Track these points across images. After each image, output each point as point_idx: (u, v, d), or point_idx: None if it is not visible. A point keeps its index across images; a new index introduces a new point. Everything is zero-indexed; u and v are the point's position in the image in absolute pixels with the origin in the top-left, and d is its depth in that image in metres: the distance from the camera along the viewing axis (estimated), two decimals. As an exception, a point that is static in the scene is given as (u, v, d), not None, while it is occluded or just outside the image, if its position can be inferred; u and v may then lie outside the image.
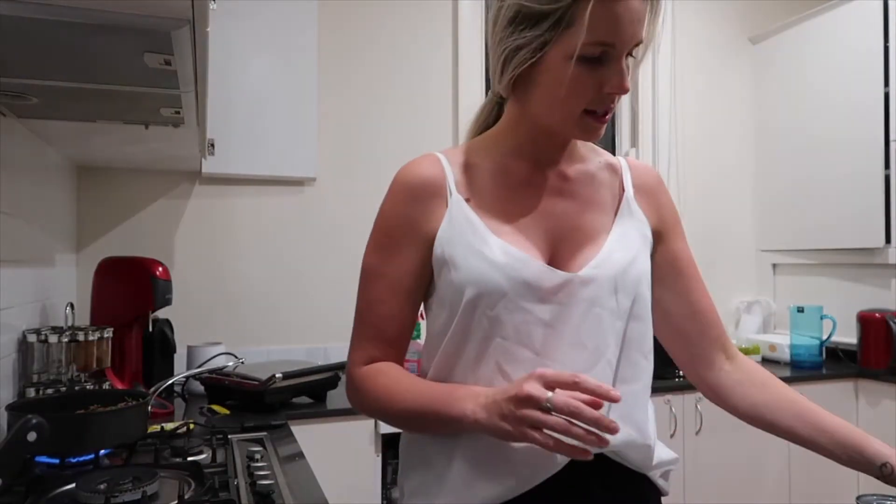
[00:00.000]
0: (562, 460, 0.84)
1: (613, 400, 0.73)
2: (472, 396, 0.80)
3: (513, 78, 0.87)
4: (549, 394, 0.73)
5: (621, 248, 0.90)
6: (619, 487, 0.89)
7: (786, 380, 2.71)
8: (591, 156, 0.99)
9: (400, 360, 0.95)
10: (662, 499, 0.96)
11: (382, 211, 0.94)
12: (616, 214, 0.94)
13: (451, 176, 0.92)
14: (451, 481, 0.87)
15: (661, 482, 0.94)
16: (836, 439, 0.91)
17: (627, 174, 0.98)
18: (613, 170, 0.98)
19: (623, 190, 0.97)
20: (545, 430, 0.73)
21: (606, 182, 0.97)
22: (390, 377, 0.90)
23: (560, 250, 0.90)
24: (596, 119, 0.85)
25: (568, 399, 0.72)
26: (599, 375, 0.85)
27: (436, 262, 0.90)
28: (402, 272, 0.91)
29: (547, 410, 0.72)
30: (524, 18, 0.82)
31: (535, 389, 0.73)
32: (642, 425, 0.90)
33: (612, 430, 0.72)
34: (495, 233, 0.88)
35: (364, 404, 0.92)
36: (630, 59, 0.84)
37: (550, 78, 0.83)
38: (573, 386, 0.73)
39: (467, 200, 0.91)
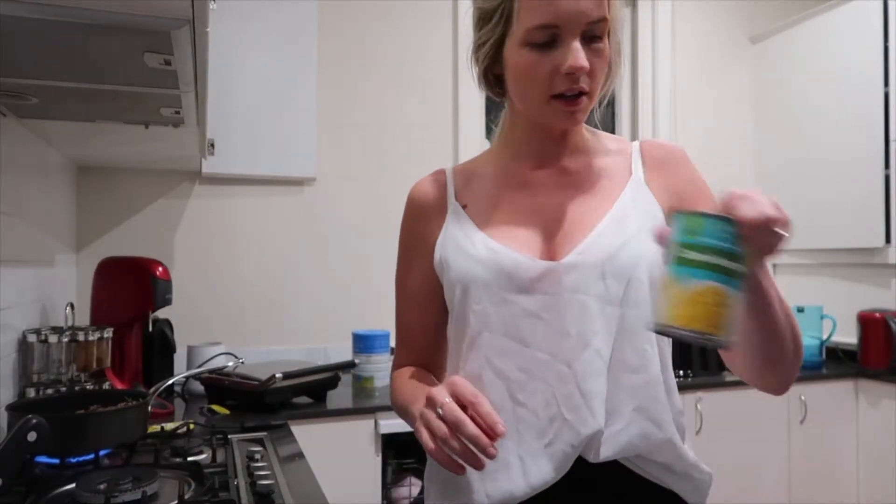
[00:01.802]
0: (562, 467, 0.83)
1: (497, 434, 0.72)
2: (422, 399, 0.81)
3: (483, 75, 0.92)
4: (447, 400, 0.74)
5: (612, 233, 0.86)
6: (639, 500, 0.85)
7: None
8: (598, 145, 0.96)
9: (429, 366, 1.00)
10: None
11: (400, 228, 1.01)
12: (617, 199, 0.90)
13: (452, 187, 0.96)
14: (470, 481, 0.86)
15: (693, 500, 0.88)
16: None
17: (637, 156, 0.94)
18: (622, 155, 0.95)
19: (631, 174, 0.93)
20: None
21: (611, 169, 0.93)
22: (403, 378, 0.97)
23: (556, 244, 0.88)
24: (565, 103, 0.83)
25: (456, 410, 0.73)
26: (588, 365, 0.83)
27: (436, 269, 0.94)
28: (415, 284, 0.98)
29: (439, 416, 0.74)
30: (481, 19, 0.89)
31: (438, 393, 0.76)
32: (659, 417, 0.85)
33: (489, 455, 0.71)
34: (488, 232, 0.89)
35: (393, 406, 0.99)
36: (602, 40, 0.82)
37: (512, 70, 0.86)
38: (470, 404, 0.74)
39: (464, 207, 0.94)
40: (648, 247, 0.85)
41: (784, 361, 0.80)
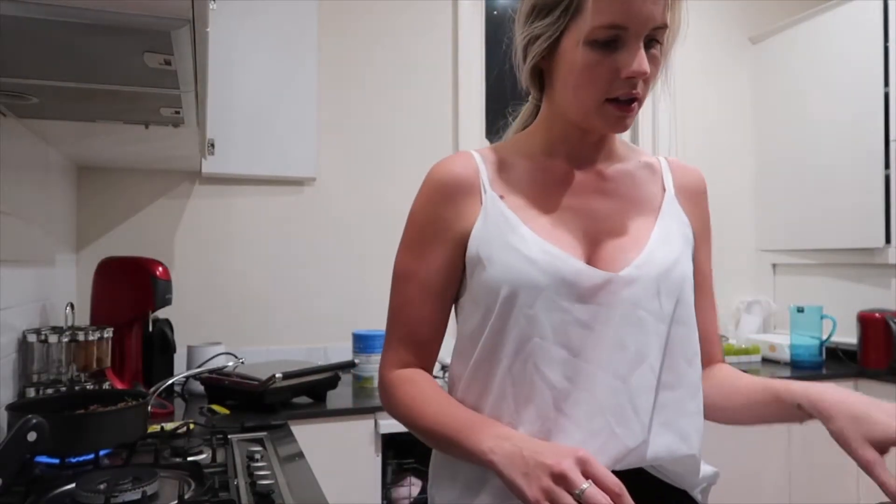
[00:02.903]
0: None
1: None
2: (492, 435, 0.77)
3: (531, 69, 0.88)
4: (585, 484, 0.67)
5: (664, 249, 0.87)
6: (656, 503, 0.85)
7: (786, 380, 2.69)
8: (630, 155, 0.96)
9: (431, 363, 0.94)
10: None
11: (414, 210, 0.93)
12: (658, 214, 0.91)
13: (485, 173, 0.91)
14: (481, 501, 0.85)
15: (699, 497, 0.90)
16: (761, 404, 0.88)
17: (668, 174, 0.95)
18: (652, 169, 0.95)
19: (664, 190, 0.94)
20: None
21: (646, 181, 0.94)
22: (417, 388, 0.89)
23: (599, 250, 0.86)
24: (618, 108, 0.81)
25: (600, 498, 0.66)
26: (642, 380, 0.82)
27: (469, 261, 0.88)
28: (433, 272, 0.90)
29: (576, 498, 0.67)
30: (539, 10, 0.83)
31: (573, 472, 0.68)
32: (686, 433, 0.85)
33: None
34: (532, 230, 0.85)
35: (392, 411, 0.92)
36: (658, 46, 0.81)
37: (567, 67, 0.83)
38: (615, 496, 0.67)
39: (502, 198, 0.89)
40: (689, 265, 0.89)
41: None
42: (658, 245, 0.87)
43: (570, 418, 0.82)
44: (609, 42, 0.79)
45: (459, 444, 0.79)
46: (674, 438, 0.84)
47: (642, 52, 0.78)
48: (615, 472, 0.81)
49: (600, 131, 0.89)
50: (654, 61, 0.81)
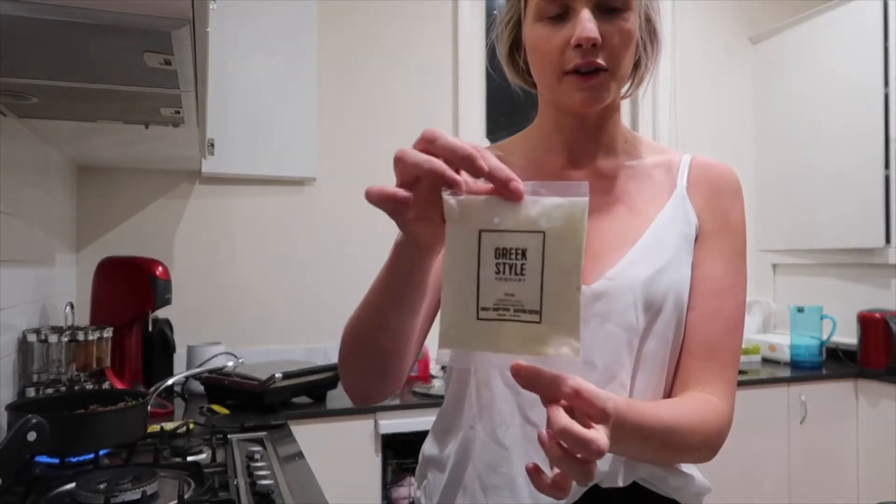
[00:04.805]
0: (577, 489, 0.77)
1: (516, 189, 0.59)
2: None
3: (507, 57, 0.89)
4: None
5: (648, 258, 0.80)
6: None
7: (786, 380, 2.67)
8: (639, 151, 0.90)
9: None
10: None
11: None
12: (657, 215, 0.84)
13: None
14: (474, 500, 0.83)
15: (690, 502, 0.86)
16: None
17: (685, 170, 0.87)
18: (668, 167, 0.88)
19: (675, 187, 0.86)
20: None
21: (655, 180, 0.87)
22: None
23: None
24: (579, 79, 0.77)
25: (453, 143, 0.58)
26: None
27: None
28: None
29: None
30: (505, 0, 0.86)
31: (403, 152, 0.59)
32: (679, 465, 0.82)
33: (517, 190, 0.58)
34: None
35: (340, 351, 0.87)
36: (624, 16, 0.78)
37: (528, 48, 0.83)
38: (462, 162, 0.59)
39: None
40: (679, 273, 0.82)
41: (690, 459, 0.81)
42: (642, 253, 0.81)
43: (538, 429, 0.80)
44: (559, 16, 0.78)
45: (381, 277, 0.76)
46: (666, 470, 0.80)
47: (586, 18, 0.75)
48: (602, 490, 0.79)
49: (575, 109, 0.83)
50: (619, 28, 0.77)
